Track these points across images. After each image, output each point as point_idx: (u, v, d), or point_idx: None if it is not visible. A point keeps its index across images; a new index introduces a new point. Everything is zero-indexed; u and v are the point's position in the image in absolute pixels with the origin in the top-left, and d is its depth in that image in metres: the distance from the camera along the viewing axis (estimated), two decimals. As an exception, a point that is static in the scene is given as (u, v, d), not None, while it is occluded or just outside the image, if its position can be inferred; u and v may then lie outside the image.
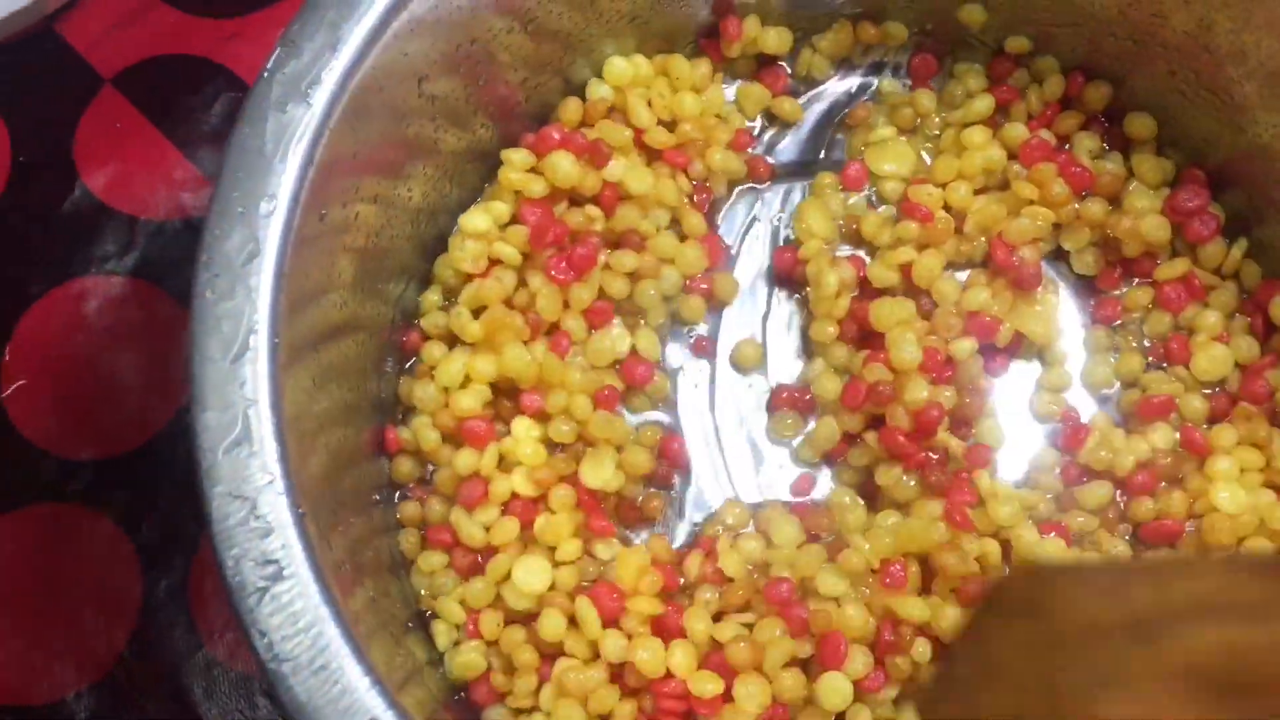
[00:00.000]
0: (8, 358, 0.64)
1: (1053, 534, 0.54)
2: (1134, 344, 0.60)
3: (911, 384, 0.56)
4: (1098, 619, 0.28)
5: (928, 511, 0.54)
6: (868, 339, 0.59)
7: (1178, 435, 0.57)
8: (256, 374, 0.44)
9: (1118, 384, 0.60)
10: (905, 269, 0.59)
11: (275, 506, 0.43)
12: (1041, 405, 0.60)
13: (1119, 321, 0.61)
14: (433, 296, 0.58)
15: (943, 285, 0.59)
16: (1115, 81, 0.62)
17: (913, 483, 0.56)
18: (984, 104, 0.62)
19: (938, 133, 0.64)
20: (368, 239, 0.53)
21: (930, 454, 0.56)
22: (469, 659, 0.52)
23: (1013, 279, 0.59)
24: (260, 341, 0.44)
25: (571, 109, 0.60)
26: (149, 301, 0.66)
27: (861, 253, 0.61)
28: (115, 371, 0.65)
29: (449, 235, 0.59)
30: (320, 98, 0.47)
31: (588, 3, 0.58)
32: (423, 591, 0.54)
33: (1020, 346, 0.60)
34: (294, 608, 0.42)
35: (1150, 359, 0.60)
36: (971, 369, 0.57)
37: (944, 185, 0.61)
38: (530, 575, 0.52)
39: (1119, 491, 0.57)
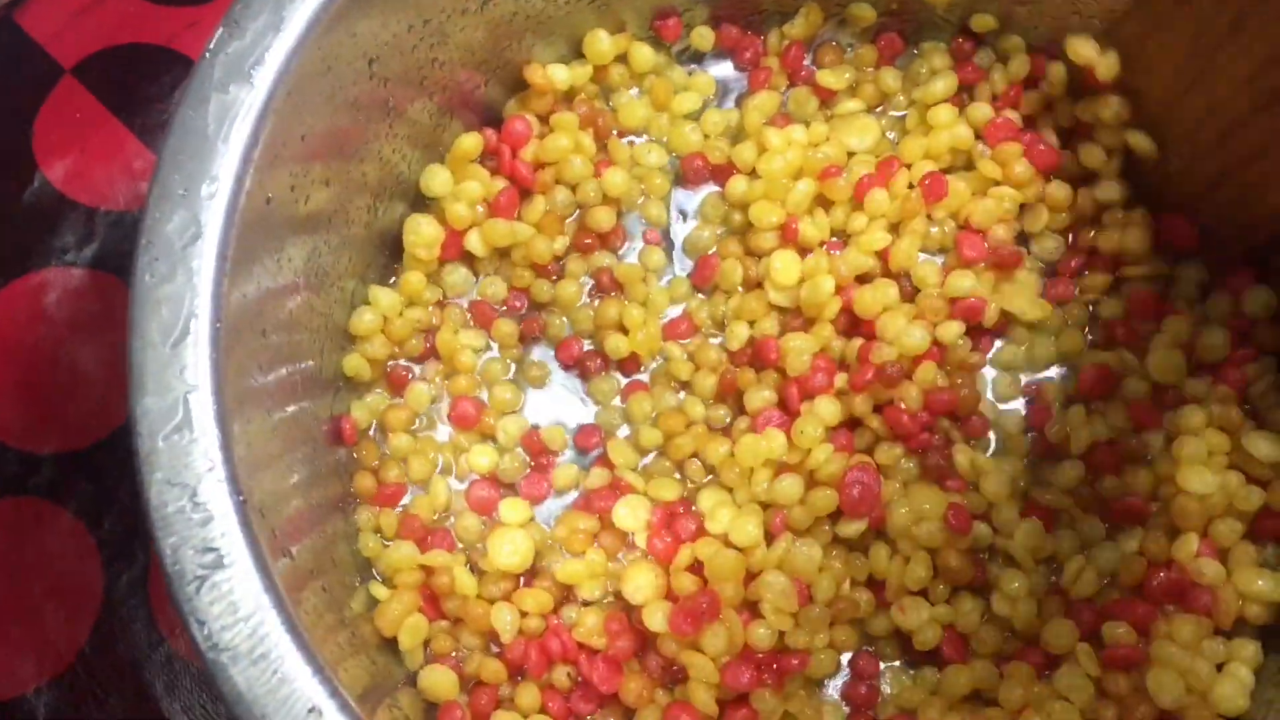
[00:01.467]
0: None
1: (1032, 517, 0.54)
2: (1074, 321, 0.60)
3: (923, 367, 0.55)
4: None
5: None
6: (856, 326, 0.58)
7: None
8: (197, 359, 0.43)
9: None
10: (883, 254, 0.59)
11: (215, 494, 0.42)
12: (1003, 386, 0.59)
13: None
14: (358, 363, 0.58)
15: (922, 269, 0.58)
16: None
17: (911, 464, 0.56)
18: (947, 82, 0.62)
19: (902, 114, 0.63)
20: (319, 222, 0.52)
21: (932, 434, 0.56)
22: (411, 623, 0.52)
23: (992, 261, 0.58)
24: (201, 326, 0.44)
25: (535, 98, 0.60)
26: (109, 293, 0.65)
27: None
28: (76, 364, 0.64)
29: (405, 224, 0.59)
30: (264, 78, 0.47)
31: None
32: (376, 575, 0.54)
33: (1006, 326, 0.59)
34: (233, 596, 0.41)
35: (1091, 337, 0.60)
36: (961, 351, 0.57)
37: (909, 165, 0.61)
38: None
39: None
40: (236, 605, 0.41)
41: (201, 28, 0.70)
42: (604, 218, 0.60)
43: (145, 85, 0.69)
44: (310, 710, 0.40)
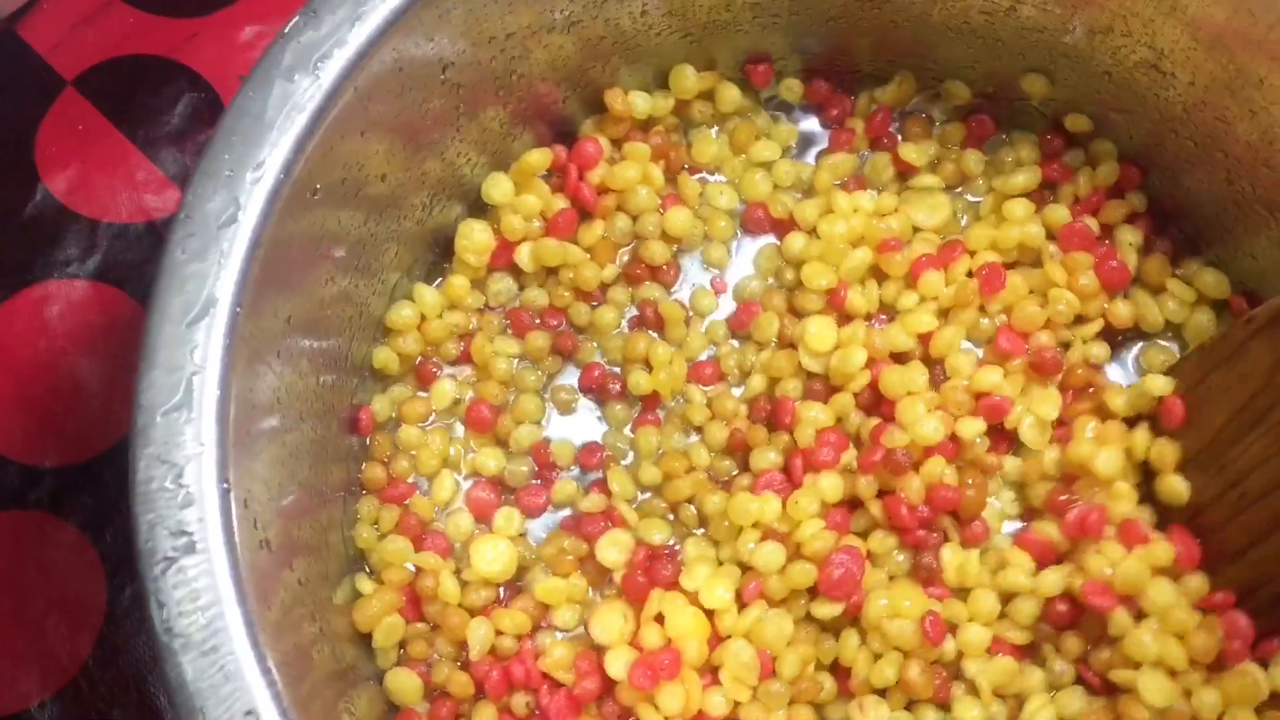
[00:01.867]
0: None
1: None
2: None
3: (932, 460, 0.54)
4: None
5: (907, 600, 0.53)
6: (878, 404, 0.57)
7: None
8: (210, 341, 0.43)
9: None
10: (925, 337, 0.57)
11: (201, 477, 0.42)
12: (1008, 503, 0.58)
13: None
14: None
15: (957, 359, 0.57)
16: (1170, 177, 0.59)
17: (903, 558, 0.55)
18: (1029, 176, 0.60)
19: (978, 199, 0.62)
20: (366, 219, 0.53)
21: (930, 532, 0.55)
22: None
23: (1033, 363, 0.57)
24: (221, 309, 0.44)
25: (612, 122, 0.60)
26: (111, 305, 0.65)
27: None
28: (78, 377, 0.64)
29: (459, 226, 0.59)
30: (330, 72, 0.47)
31: (639, 13, 0.57)
32: (366, 568, 0.55)
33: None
34: (197, 584, 0.41)
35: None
36: (977, 450, 0.56)
37: (973, 253, 0.59)
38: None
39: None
40: (199, 594, 0.41)
41: (203, 39, 0.69)
42: (659, 252, 0.59)
43: (147, 97, 0.69)
44: (248, 713, 0.40)
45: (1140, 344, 0.60)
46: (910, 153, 0.61)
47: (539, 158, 0.58)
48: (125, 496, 0.59)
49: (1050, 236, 0.59)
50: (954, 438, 0.55)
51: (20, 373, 0.64)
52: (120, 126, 0.68)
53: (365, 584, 0.54)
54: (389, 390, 0.58)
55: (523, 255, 0.59)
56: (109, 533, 0.61)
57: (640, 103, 0.60)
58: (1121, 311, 0.58)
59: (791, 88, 0.62)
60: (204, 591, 0.41)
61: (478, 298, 0.59)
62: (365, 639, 0.53)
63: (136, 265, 0.66)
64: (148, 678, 0.60)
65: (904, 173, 0.62)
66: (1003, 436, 0.57)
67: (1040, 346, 0.57)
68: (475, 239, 0.58)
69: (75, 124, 0.68)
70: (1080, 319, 0.58)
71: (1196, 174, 0.58)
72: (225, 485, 0.42)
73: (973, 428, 0.55)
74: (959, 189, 0.62)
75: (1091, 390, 0.57)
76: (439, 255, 0.59)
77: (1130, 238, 0.60)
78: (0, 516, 0.62)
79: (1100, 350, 0.58)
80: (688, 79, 0.60)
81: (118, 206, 0.67)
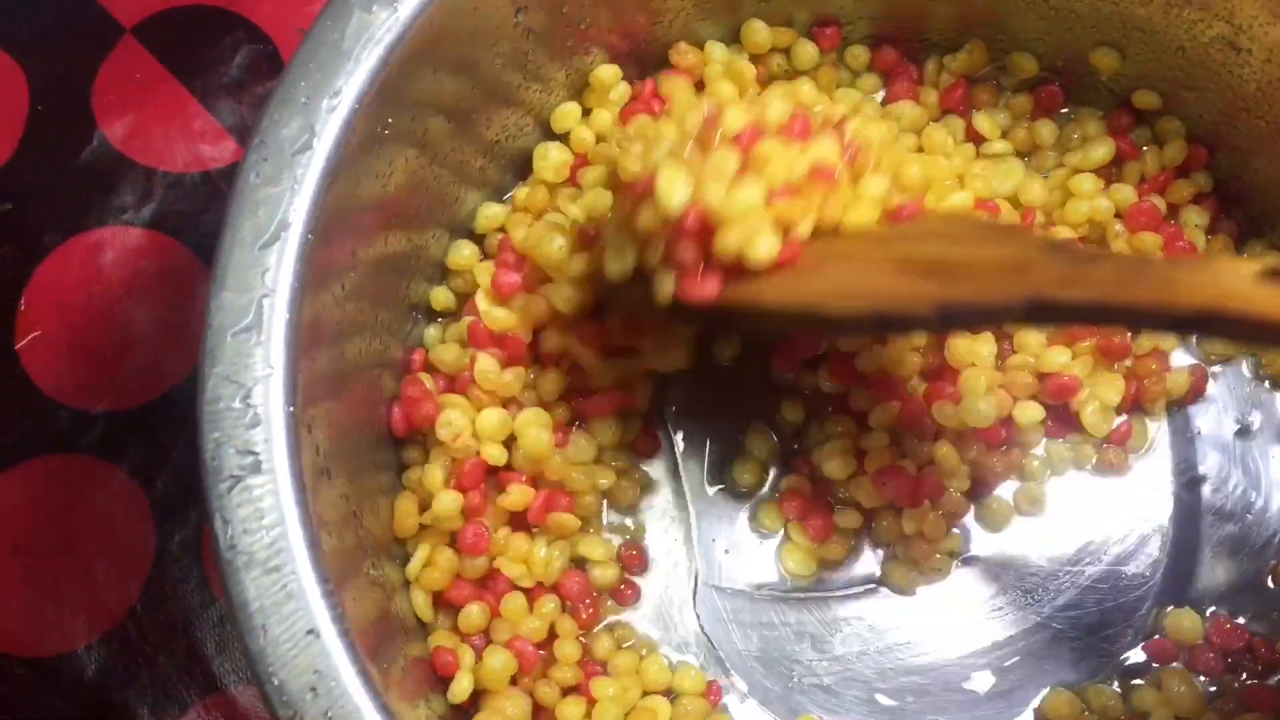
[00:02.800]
0: (23, 308, 0.64)
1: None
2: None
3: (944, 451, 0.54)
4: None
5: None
6: (941, 372, 0.56)
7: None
8: (281, 264, 0.44)
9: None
10: None
11: (269, 399, 0.42)
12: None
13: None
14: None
15: (1026, 334, 0.57)
16: (1239, 158, 0.59)
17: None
18: (1104, 150, 0.59)
19: (1048, 170, 0.61)
20: (433, 156, 0.52)
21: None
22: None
23: (1102, 346, 0.57)
24: (293, 234, 0.44)
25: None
26: (166, 253, 0.65)
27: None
28: (131, 323, 0.64)
29: (522, 166, 0.58)
30: (408, 4, 0.47)
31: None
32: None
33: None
34: (263, 503, 0.41)
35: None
36: (1029, 436, 0.55)
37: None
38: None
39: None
40: (264, 512, 0.41)
41: None
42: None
43: (205, 47, 0.68)
44: (309, 631, 0.40)
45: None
46: (984, 123, 0.60)
47: (609, 73, 0.58)
48: (177, 444, 0.61)
49: (1115, 215, 0.59)
50: (1008, 420, 0.55)
51: (73, 318, 0.64)
52: (178, 76, 0.68)
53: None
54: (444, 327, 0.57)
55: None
56: (159, 479, 0.61)
57: (718, 52, 0.59)
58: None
59: (856, 55, 0.62)
60: (268, 511, 0.41)
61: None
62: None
63: (191, 214, 0.66)
64: (194, 624, 0.60)
65: (972, 139, 0.61)
66: (1063, 419, 0.57)
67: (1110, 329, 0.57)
68: (552, 157, 0.57)
69: (133, 72, 0.68)
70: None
71: (1266, 155, 0.57)
72: (291, 409, 0.43)
73: (1031, 414, 0.55)
74: (1027, 157, 0.61)
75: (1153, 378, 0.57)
76: (502, 198, 0.59)
77: (1196, 219, 0.59)
78: (51, 460, 0.62)
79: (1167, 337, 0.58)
80: (760, 33, 0.60)
81: (174, 155, 0.67)
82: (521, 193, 0.58)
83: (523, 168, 0.59)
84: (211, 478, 0.41)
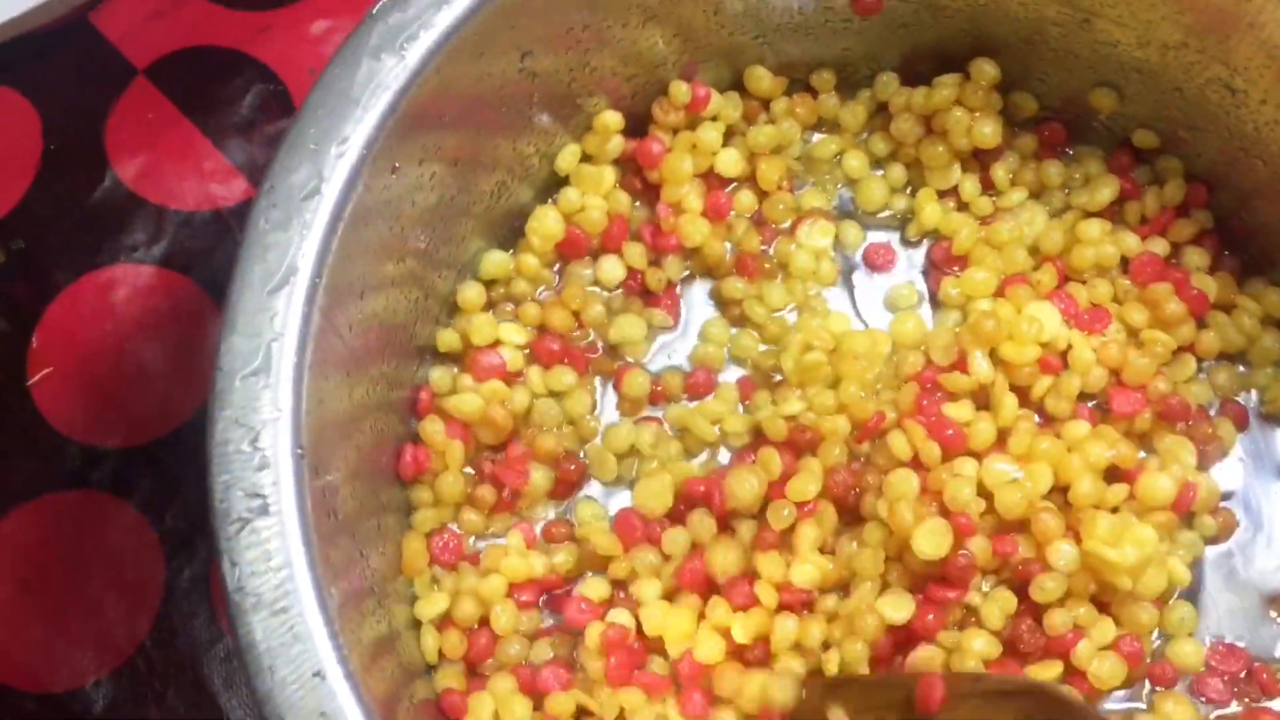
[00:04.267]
0: (35, 344, 0.65)
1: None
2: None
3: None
4: None
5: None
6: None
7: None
8: (290, 309, 0.44)
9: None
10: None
11: (277, 442, 0.43)
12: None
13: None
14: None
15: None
16: (1239, 197, 0.59)
17: None
18: (1109, 189, 0.60)
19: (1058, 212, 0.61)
20: (440, 200, 0.53)
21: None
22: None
23: (1159, 413, 0.56)
24: (301, 279, 0.45)
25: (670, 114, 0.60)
26: (176, 291, 0.66)
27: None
28: (142, 360, 0.65)
29: (528, 214, 0.59)
30: (415, 53, 0.48)
31: (712, 10, 0.57)
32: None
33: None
34: (270, 545, 0.42)
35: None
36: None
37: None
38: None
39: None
40: (271, 554, 0.42)
41: (274, 32, 0.70)
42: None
43: (217, 88, 0.69)
44: (316, 673, 0.41)
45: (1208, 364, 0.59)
46: (999, 173, 0.61)
47: (613, 119, 0.58)
48: (186, 480, 0.62)
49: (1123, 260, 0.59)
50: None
51: (84, 355, 0.65)
52: (190, 116, 0.69)
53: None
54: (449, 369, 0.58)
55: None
56: (168, 515, 0.62)
57: (714, 102, 0.60)
58: (1209, 341, 0.58)
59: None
60: (276, 553, 0.42)
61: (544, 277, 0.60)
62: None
63: (202, 252, 0.67)
64: (203, 659, 0.60)
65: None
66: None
67: (1161, 395, 0.56)
68: (547, 225, 0.58)
69: (145, 112, 0.69)
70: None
71: (1266, 194, 0.58)
72: (300, 451, 0.43)
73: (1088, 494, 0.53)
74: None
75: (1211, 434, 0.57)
76: (508, 240, 0.60)
77: (1198, 260, 0.60)
78: (61, 496, 0.63)
79: (1201, 389, 0.58)
80: (762, 80, 0.61)
81: (185, 194, 0.68)
82: (525, 259, 0.59)
83: (528, 211, 0.59)
84: (220, 520, 0.42)
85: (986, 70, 0.60)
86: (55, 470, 0.63)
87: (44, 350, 0.65)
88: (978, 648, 0.50)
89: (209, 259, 0.66)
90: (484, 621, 0.53)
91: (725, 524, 0.54)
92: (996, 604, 0.52)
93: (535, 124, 0.57)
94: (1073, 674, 0.52)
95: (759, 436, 0.56)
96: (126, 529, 0.62)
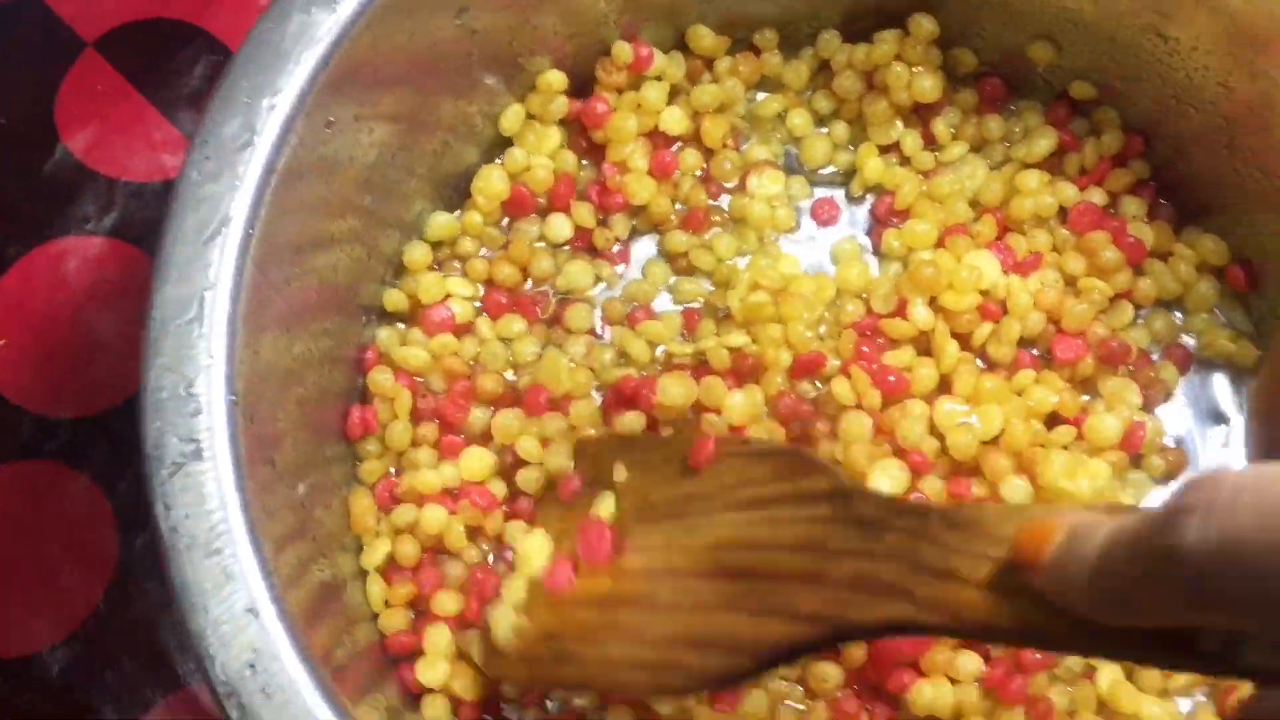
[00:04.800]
0: None
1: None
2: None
3: None
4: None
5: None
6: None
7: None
8: (223, 259, 0.45)
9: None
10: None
11: (211, 389, 0.43)
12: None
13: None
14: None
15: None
16: (1176, 146, 0.60)
17: None
18: (1047, 141, 0.61)
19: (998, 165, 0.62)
20: (379, 158, 0.54)
21: None
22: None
23: (1101, 356, 0.57)
24: (235, 230, 0.45)
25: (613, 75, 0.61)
26: (128, 262, 0.66)
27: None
28: (94, 331, 0.65)
29: (473, 174, 0.60)
30: (347, 6, 0.48)
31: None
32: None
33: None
34: (205, 489, 0.42)
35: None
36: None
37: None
38: None
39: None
40: (205, 497, 0.42)
41: (221, 3, 0.70)
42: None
43: (166, 60, 0.70)
44: (249, 610, 0.41)
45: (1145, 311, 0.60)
46: (940, 128, 0.61)
47: (556, 78, 0.59)
48: (139, 450, 0.62)
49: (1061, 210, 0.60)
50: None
51: (37, 326, 0.65)
52: (139, 88, 0.70)
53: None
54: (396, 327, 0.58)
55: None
56: (121, 485, 0.62)
57: (658, 60, 0.61)
58: (1145, 288, 0.59)
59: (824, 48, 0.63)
60: (210, 497, 0.42)
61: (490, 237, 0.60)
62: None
63: (153, 223, 0.65)
64: (157, 624, 0.61)
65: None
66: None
67: (1101, 339, 0.57)
68: (492, 184, 0.59)
69: (94, 85, 0.69)
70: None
71: (1200, 143, 0.58)
72: (233, 398, 0.44)
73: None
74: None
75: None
76: (454, 200, 0.60)
77: (1135, 209, 0.60)
78: (15, 466, 0.63)
79: (1139, 334, 0.59)
80: (705, 38, 0.61)
81: (135, 165, 0.68)
82: (471, 218, 0.60)
83: (473, 171, 0.60)
84: (154, 465, 0.42)
85: (925, 26, 0.60)
86: (8, 441, 0.63)
87: (-4, 322, 0.65)
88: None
89: (160, 230, 0.67)
90: (425, 561, 0.54)
91: (655, 428, 0.55)
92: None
93: (478, 84, 0.57)
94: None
95: (702, 366, 0.56)
96: (80, 498, 0.62)
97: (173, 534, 0.42)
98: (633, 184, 0.60)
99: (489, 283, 0.59)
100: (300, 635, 0.42)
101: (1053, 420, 0.56)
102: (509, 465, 0.55)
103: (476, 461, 0.55)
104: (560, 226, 0.60)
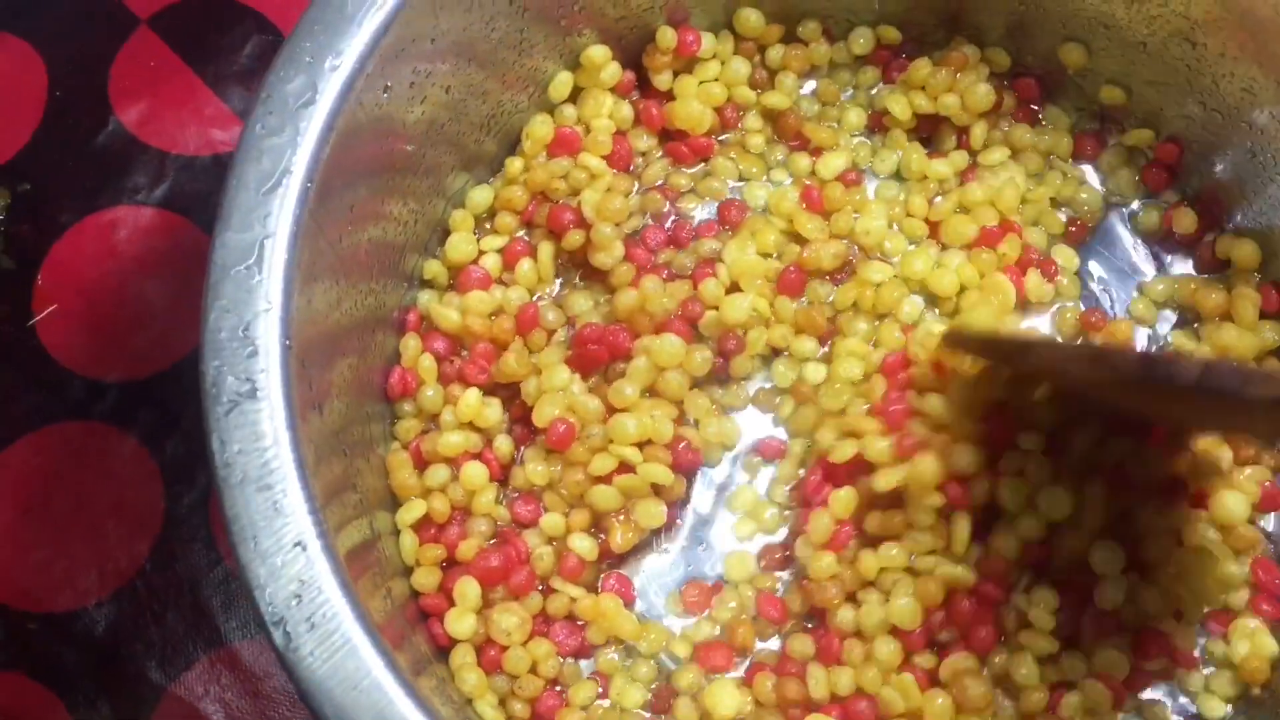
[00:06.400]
0: (40, 283, 0.67)
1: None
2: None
3: None
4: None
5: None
6: None
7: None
8: (282, 209, 0.46)
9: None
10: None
11: (267, 332, 0.45)
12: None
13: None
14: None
15: None
16: (1198, 154, 0.62)
17: None
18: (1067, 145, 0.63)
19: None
20: (432, 122, 0.55)
21: None
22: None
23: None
24: (294, 182, 0.47)
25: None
26: (177, 232, 0.68)
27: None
28: (143, 298, 0.67)
29: (522, 137, 0.61)
30: (409, -25, 0.50)
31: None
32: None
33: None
34: (259, 426, 0.44)
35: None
36: None
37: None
38: None
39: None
40: (260, 434, 0.44)
41: None
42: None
43: (217, 37, 0.72)
44: (297, 543, 0.43)
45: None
46: (977, 132, 0.63)
47: (600, 54, 0.60)
48: (185, 412, 0.64)
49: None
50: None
51: (88, 292, 0.68)
52: (190, 64, 0.72)
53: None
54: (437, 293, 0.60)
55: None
56: (168, 445, 0.64)
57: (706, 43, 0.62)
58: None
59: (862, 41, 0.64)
60: (265, 433, 0.44)
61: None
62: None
63: (201, 195, 0.69)
64: (201, 582, 0.63)
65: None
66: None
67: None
68: (538, 132, 0.60)
69: (147, 60, 0.72)
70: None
71: (1223, 149, 0.60)
72: (288, 343, 0.45)
73: None
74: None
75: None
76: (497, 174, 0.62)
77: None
78: (65, 427, 0.65)
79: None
80: (751, 21, 0.63)
81: (186, 139, 0.70)
82: (514, 165, 0.61)
83: (516, 144, 0.62)
84: (211, 402, 0.44)
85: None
86: (59, 403, 0.65)
87: (49, 288, 0.67)
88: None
89: (208, 202, 0.68)
90: (456, 517, 0.55)
91: None
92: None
93: (527, 60, 0.59)
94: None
95: None
96: (127, 459, 0.64)
97: (226, 469, 0.43)
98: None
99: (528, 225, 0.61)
100: (342, 568, 0.43)
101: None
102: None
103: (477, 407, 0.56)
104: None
